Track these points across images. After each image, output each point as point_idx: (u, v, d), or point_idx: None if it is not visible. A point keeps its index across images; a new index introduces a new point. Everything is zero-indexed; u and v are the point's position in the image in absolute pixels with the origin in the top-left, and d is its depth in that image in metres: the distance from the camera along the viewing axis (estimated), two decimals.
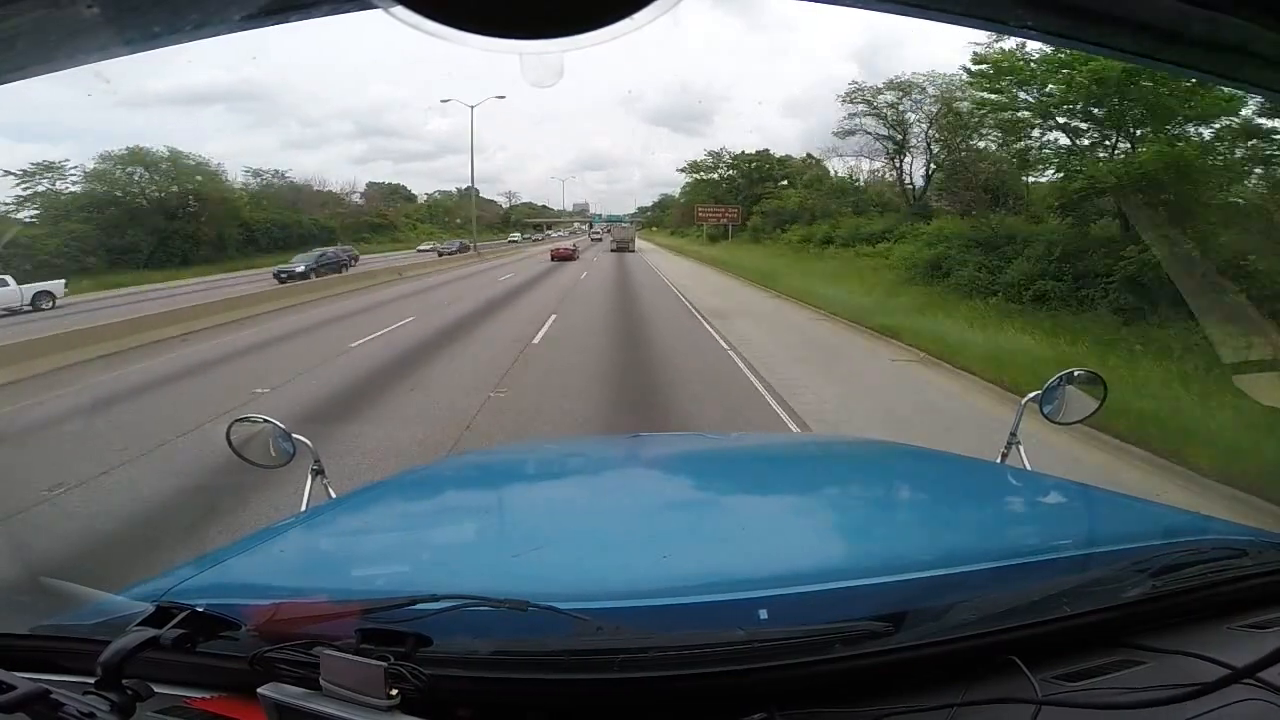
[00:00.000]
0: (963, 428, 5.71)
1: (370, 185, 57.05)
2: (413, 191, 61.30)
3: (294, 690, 0.64)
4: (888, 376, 8.20)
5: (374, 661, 0.64)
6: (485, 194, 74.50)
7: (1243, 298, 7.36)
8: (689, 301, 15.41)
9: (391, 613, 0.71)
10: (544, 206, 78.93)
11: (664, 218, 63.06)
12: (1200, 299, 7.47)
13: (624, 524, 1.22)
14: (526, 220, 74.04)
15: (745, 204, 37.93)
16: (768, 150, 41.46)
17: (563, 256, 34.00)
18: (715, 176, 44.76)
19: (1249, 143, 10.79)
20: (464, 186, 70.71)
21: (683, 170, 46.83)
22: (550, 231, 71.67)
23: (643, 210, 75.02)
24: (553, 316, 12.68)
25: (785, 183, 37.11)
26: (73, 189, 28.22)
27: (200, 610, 0.73)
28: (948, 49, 42.43)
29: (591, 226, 69.14)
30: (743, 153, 42.23)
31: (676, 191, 60.40)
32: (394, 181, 62.27)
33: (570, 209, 79.23)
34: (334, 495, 1.54)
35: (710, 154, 45.06)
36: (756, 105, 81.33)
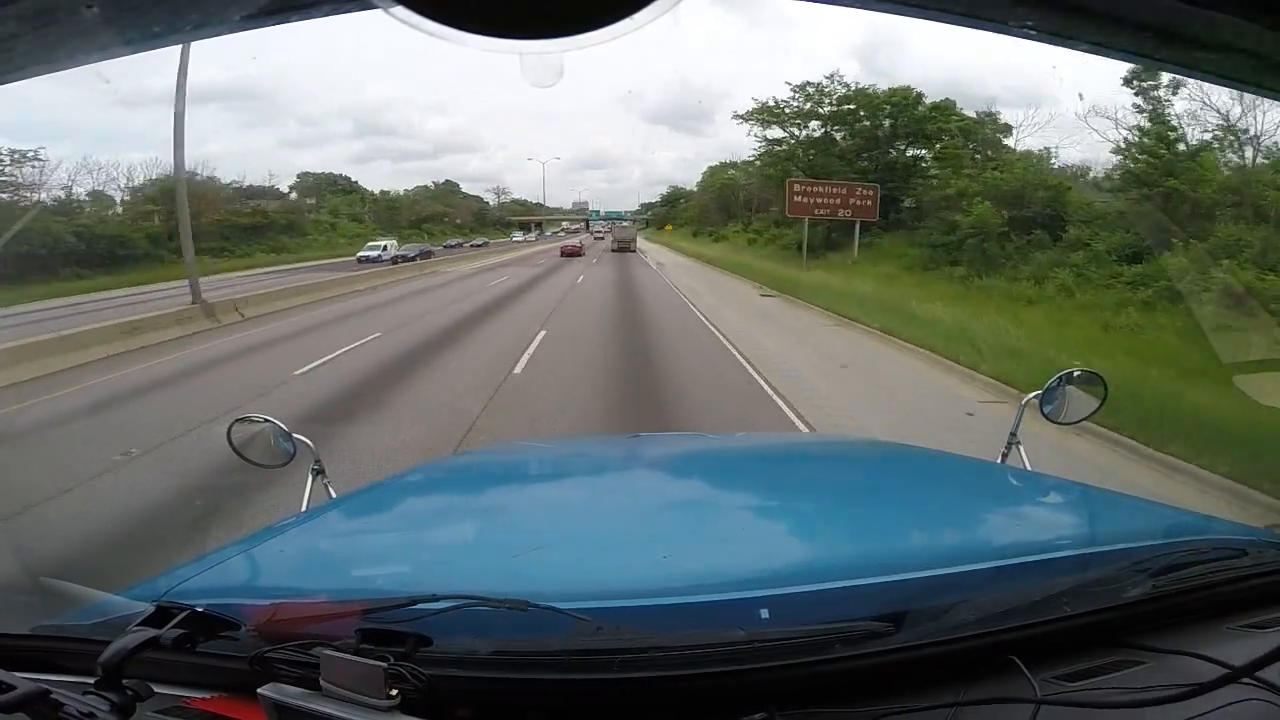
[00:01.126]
0: None
1: (303, 176, 46.66)
2: (357, 183, 50.27)
3: (294, 690, 0.64)
4: None
5: (374, 662, 0.63)
6: (477, 191, 67.42)
7: None
8: None
9: (391, 613, 0.71)
10: (538, 204, 72.34)
11: (674, 214, 52.86)
12: None
13: (624, 524, 1.22)
14: (512, 219, 65.98)
15: (880, 181, 20.13)
16: (910, 88, 21.38)
17: (570, 253, 33.95)
18: (807, 132, 23.47)
19: None
20: (441, 181, 61.37)
21: (745, 118, 25.20)
22: (518, 234, 59.59)
23: (647, 207, 67.11)
24: None
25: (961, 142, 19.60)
26: None
27: (200, 610, 0.73)
28: (952, 47, 40.91)
29: (588, 226, 63.85)
30: (859, 88, 22.13)
31: (696, 182, 48.04)
32: (337, 173, 50.41)
33: (570, 206, 73.59)
34: (334, 495, 1.54)
35: (803, 89, 23.08)
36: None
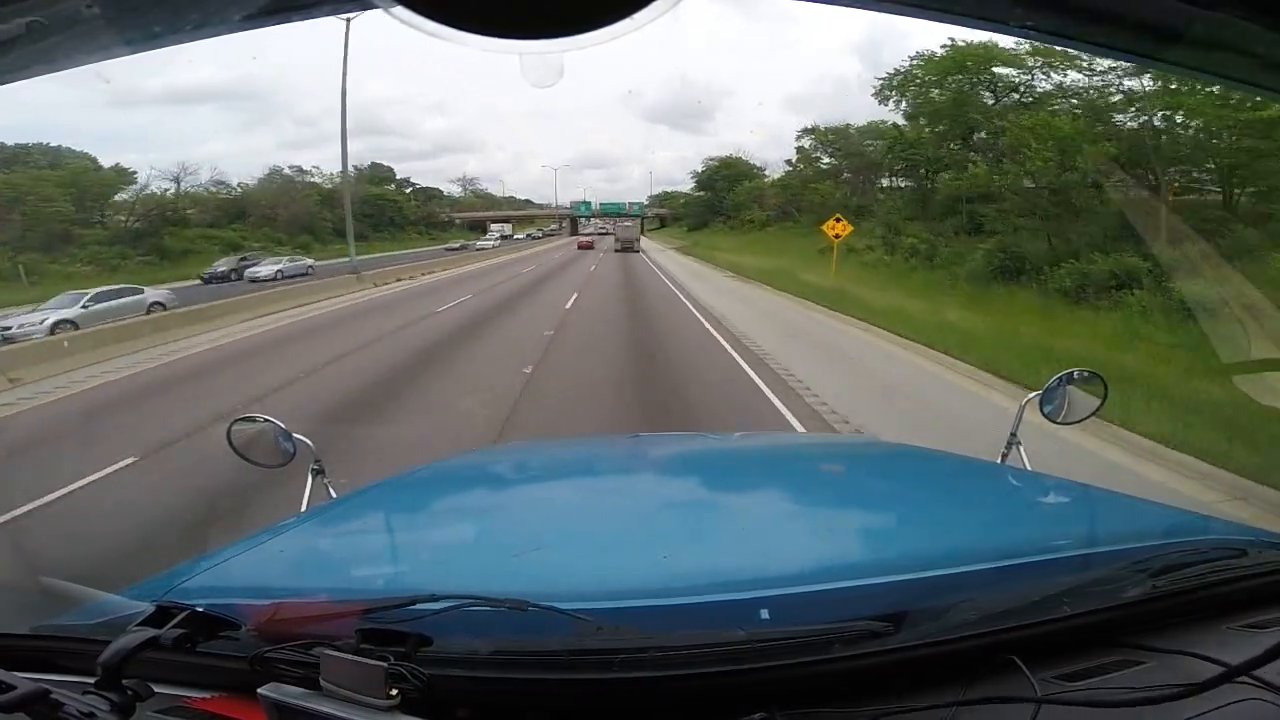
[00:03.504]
0: None
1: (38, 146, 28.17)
2: (96, 159, 29.17)
3: (294, 690, 0.64)
4: None
5: (374, 662, 0.63)
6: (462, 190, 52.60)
7: None
8: None
9: (391, 613, 0.71)
10: (526, 200, 58.22)
11: (715, 209, 33.92)
12: None
13: (624, 524, 1.22)
14: (457, 216, 48.79)
15: None
16: None
17: (585, 246, 34.25)
18: None
19: None
20: (367, 164, 44.88)
21: None
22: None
23: (660, 198, 51.75)
24: None
25: None
26: None
27: (200, 610, 0.73)
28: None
29: (575, 226, 49.92)
30: None
31: (798, 143, 29.93)
32: (51, 143, 28.87)
33: (569, 205, 55.53)
34: (334, 495, 1.54)
35: None
36: (758, 105, 78.75)
